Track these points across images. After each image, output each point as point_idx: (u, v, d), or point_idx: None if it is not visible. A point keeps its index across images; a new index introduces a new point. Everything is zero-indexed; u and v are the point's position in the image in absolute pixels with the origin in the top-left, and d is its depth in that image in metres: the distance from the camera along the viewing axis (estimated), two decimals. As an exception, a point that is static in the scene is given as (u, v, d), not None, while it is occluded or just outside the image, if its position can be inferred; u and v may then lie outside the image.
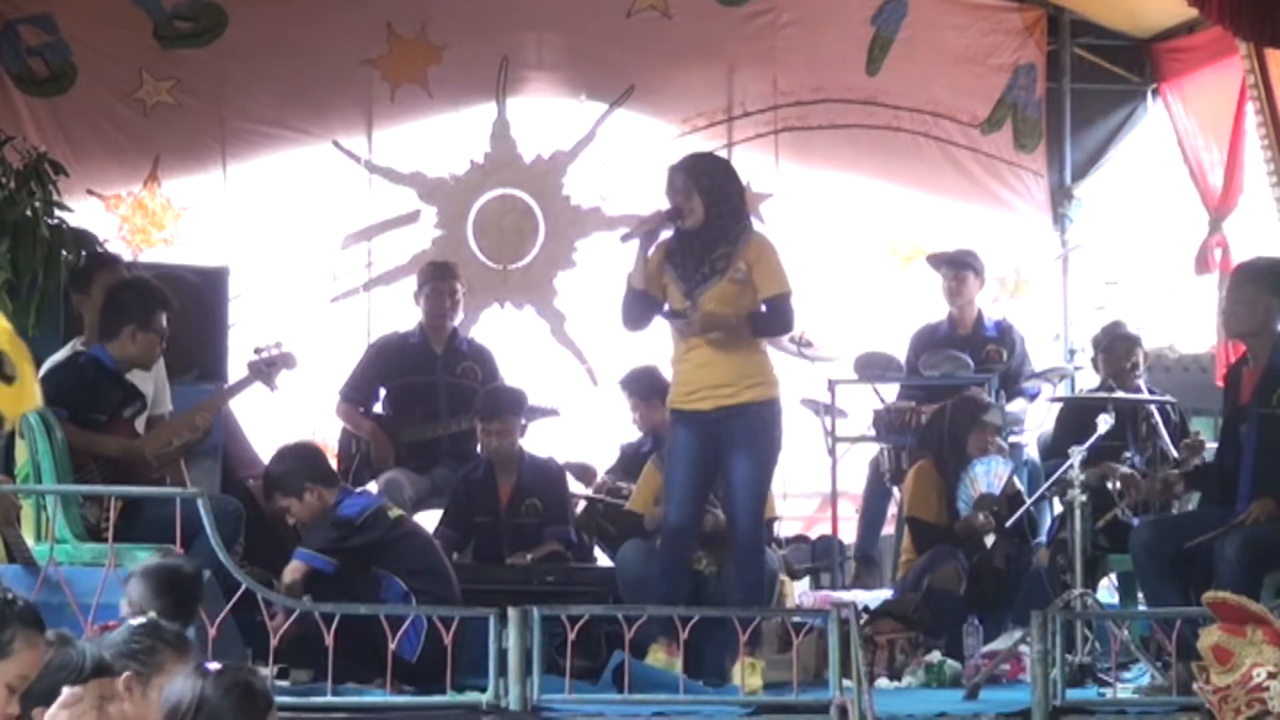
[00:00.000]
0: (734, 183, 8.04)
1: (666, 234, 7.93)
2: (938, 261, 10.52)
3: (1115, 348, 9.40)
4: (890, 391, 10.43)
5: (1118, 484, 8.69)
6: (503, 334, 10.99)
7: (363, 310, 11.21)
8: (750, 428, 7.84)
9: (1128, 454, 8.89)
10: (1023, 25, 11.85)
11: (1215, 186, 11.09)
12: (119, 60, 10.95)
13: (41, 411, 7.16)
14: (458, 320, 9.86)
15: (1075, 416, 9.11)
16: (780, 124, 11.57)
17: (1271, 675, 4.64)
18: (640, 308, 7.90)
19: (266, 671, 5.30)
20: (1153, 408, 9.05)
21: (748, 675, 7.64)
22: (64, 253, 8.49)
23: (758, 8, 11.56)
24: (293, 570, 7.70)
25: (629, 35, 11.45)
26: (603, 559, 9.23)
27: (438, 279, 9.73)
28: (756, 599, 7.96)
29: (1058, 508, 9.22)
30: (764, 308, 7.88)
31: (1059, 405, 9.82)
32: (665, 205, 7.93)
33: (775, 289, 7.88)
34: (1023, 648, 8.00)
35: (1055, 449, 9.06)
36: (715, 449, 7.85)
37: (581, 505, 9.49)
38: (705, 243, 7.82)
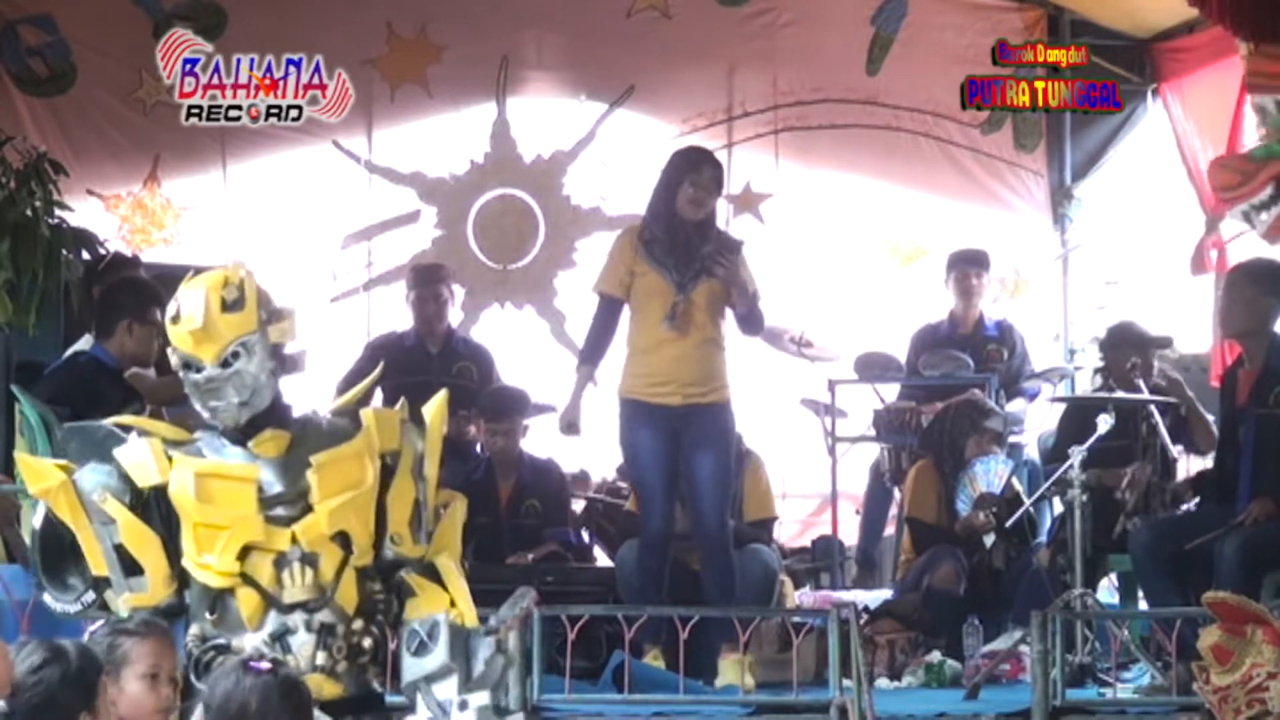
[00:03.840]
0: None
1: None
2: (958, 259, 10.46)
3: (1129, 349, 9.33)
4: (890, 391, 10.43)
5: (1126, 493, 8.65)
6: (503, 334, 10.99)
7: (362, 310, 11.20)
8: (716, 428, 7.93)
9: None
10: (1023, 25, 11.83)
11: (1212, 187, 11.07)
12: (119, 60, 10.94)
13: (41, 410, 7.14)
14: (457, 322, 9.85)
15: (1078, 418, 9.08)
16: (780, 124, 11.57)
17: (1271, 675, 4.65)
18: (613, 321, 8.07)
19: None
20: (1153, 407, 9.03)
21: (733, 672, 7.65)
22: (64, 252, 8.47)
23: (758, 8, 11.55)
24: None
25: (629, 35, 11.45)
26: (603, 559, 9.23)
27: (421, 285, 9.72)
28: (730, 597, 7.96)
29: (1058, 508, 9.20)
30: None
31: (1060, 407, 9.80)
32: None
33: (753, 287, 8.05)
34: (1023, 648, 7.99)
35: (1058, 451, 8.99)
36: (676, 446, 7.89)
37: (581, 505, 9.49)
38: (695, 239, 7.91)
